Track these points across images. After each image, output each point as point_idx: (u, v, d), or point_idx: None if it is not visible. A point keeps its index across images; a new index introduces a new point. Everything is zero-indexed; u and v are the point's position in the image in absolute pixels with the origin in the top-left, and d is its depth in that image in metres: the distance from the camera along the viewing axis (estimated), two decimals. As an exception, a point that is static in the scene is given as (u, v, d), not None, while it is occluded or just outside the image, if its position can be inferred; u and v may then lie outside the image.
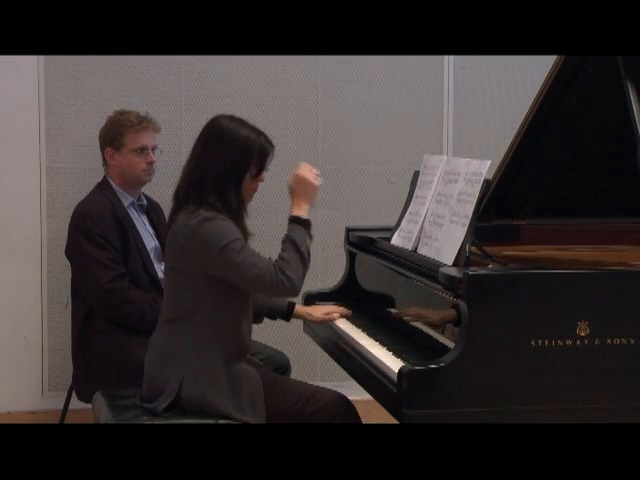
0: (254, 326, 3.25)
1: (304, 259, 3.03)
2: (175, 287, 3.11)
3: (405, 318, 3.24)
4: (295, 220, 3.10)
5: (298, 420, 3.03)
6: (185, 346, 3.05)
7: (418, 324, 3.13)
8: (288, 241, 3.05)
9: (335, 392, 3.16)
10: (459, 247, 2.96)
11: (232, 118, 3.13)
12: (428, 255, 3.11)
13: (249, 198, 3.14)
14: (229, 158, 3.05)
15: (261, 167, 3.10)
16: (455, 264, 2.93)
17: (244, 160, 3.06)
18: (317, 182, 3.15)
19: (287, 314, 3.51)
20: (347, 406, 3.12)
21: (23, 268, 4.46)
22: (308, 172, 3.15)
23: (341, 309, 3.51)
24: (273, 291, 3.03)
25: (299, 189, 3.15)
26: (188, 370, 3.03)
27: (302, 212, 3.11)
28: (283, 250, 3.04)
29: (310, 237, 3.08)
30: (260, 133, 3.11)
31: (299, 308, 3.53)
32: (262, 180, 3.14)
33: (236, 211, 3.07)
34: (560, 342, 2.73)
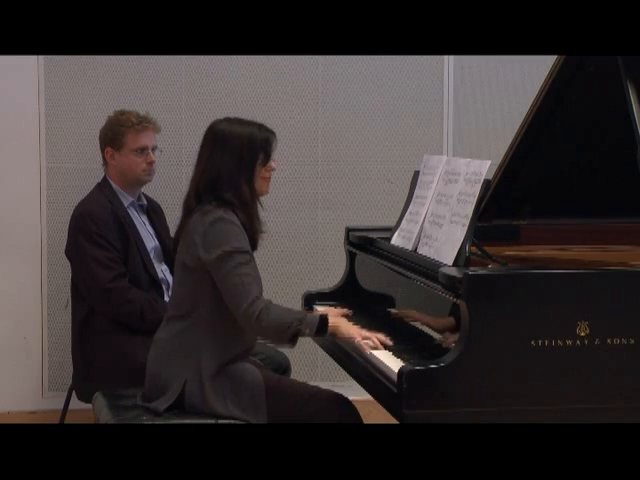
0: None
1: (281, 334, 2.99)
2: (181, 284, 3.14)
3: (404, 317, 3.24)
4: (323, 320, 3.06)
5: (299, 421, 3.03)
6: (188, 345, 3.06)
7: (418, 324, 3.13)
8: (293, 314, 3.03)
9: (335, 393, 3.16)
10: (459, 247, 2.96)
11: (228, 120, 3.20)
12: (428, 255, 3.11)
13: (266, 189, 3.20)
14: (237, 156, 3.11)
15: (268, 155, 3.16)
16: (455, 264, 2.93)
17: (251, 154, 3.13)
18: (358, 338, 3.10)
19: None
20: (348, 407, 3.12)
21: (23, 268, 4.45)
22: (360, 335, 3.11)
23: (340, 311, 3.50)
24: (242, 318, 2.99)
25: (346, 327, 3.13)
26: (190, 371, 3.03)
27: (333, 326, 3.07)
28: (287, 311, 3.04)
29: (306, 332, 3.03)
30: (259, 125, 3.19)
31: None
32: (273, 168, 3.20)
33: (249, 202, 3.11)
34: (560, 342, 2.73)
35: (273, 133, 3.20)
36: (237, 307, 2.99)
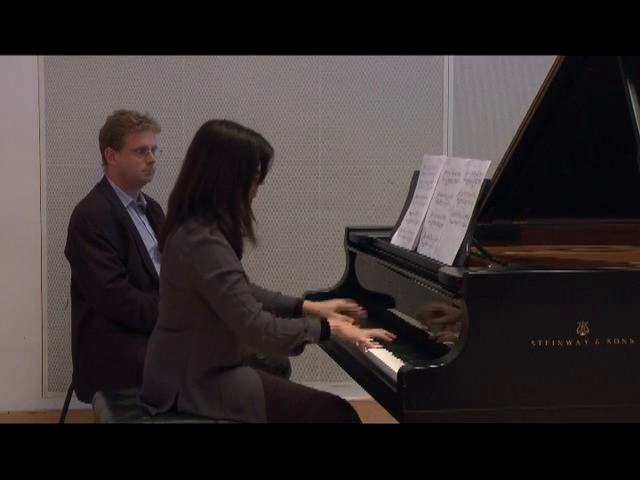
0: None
1: (288, 346, 2.96)
2: (170, 299, 3.06)
3: (402, 316, 3.24)
4: (325, 327, 3.03)
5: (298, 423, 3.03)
6: (180, 356, 3.02)
7: (418, 324, 3.13)
8: (296, 325, 3.00)
9: (334, 396, 3.15)
10: (459, 247, 2.96)
11: (227, 123, 3.05)
12: (428, 255, 3.11)
13: (250, 203, 3.09)
14: (236, 166, 2.99)
15: (264, 171, 3.07)
16: (455, 264, 2.93)
17: (250, 166, 3.01)
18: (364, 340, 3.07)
19: (297, 311, 3.42)
20: (347, 410, 3.11)
21: (23, 268, 4.46)
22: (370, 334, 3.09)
23: (353, 305, 3.47)
24: (247, 334, 2.95)
25: (348, 329, 3.10)
26: (184, 382, 3.00)
27: (335, 330, 3.05)
28: (289, 323, 2.99)
29: (311, 340, 3.01)
30: (258, 136, 3.06)
31: (308, 304, 3.44)
32: (262, 183, 3.11)
33: (246, 218, 3.02)
34: (560, 342, 2.73)
35: (272, 148, 3.07)
36: (240, 325, 2.93)
